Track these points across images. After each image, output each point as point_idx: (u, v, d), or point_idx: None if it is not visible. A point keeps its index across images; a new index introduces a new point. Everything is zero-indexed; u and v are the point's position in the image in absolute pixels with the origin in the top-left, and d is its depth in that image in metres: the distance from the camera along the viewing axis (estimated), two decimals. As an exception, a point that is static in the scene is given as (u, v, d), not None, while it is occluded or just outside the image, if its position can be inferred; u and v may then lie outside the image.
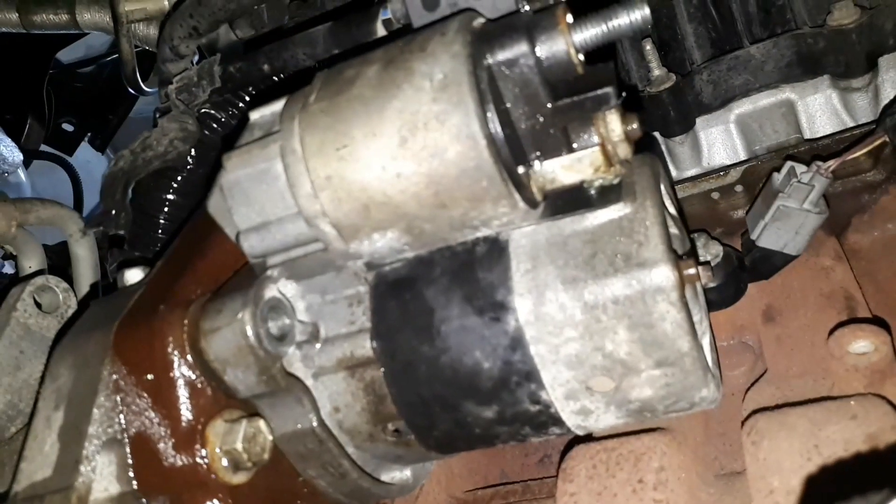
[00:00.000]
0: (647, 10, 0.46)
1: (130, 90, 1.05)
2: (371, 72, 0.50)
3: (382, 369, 0.55)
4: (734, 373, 0.79)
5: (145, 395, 0.52)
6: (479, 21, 0.51)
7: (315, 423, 0.54)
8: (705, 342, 0.58)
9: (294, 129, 0.50)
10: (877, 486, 0.46)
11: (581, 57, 0.49)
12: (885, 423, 0.50)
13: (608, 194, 0.52)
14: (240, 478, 0.53)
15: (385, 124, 0.48)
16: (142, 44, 1.11)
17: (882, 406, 0.52)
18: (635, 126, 0.50)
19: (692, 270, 0.50)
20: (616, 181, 0.52)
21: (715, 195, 0.92)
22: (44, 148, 1.91)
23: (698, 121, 0.98)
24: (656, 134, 0.98)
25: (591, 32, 0.48)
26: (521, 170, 0.50)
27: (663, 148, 1.01)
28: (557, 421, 0.55)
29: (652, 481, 0.55)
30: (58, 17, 1.16)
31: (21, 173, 2.06)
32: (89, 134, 2.03)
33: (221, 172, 0.53)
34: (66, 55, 2.00)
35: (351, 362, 0.56)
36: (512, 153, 0.49)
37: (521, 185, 0.50)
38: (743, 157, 0.98)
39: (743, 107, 0.98)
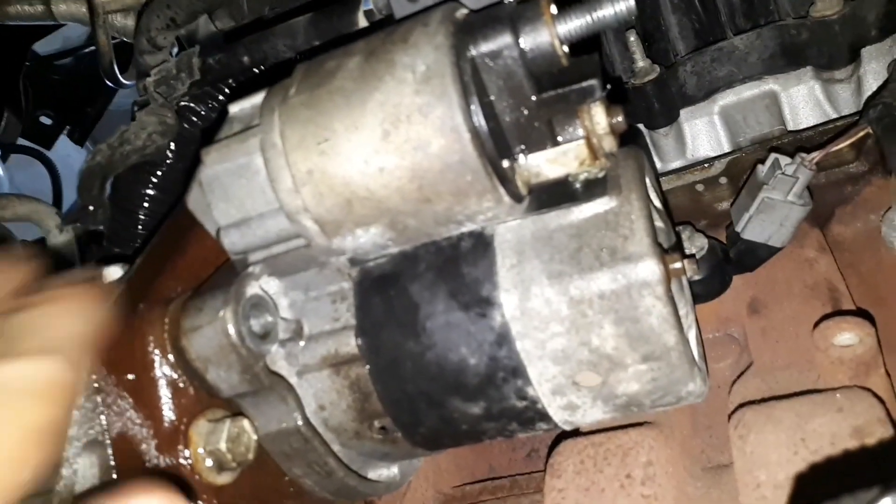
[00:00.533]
0: (631, 1, 0.46)
1: (108, 83, 1.03)
2: (352, 63, 0.49)
3: (367, 366, 0.55)
4: (720, 365, 0.79)
5: (126, 395, 0.51)
6: (463, 12, 0.51)
7: (300, 422, 0.54)
8: (691, 336, 0.58)
9: (274, 122, 0.49)
10: (863, 480, 0.46)
11: (565, 48, 0.48)
12: (871, 416, 0.50)
13: (593, 188, 0.51)
14: (224, 478, 0.52)
15: (367, 117, 0.47)
16: (119, 35, 1.09)
17: (867, 398, 0.52)
18: (620, 119, 0.49)
19: (678, 264, 0.50)
20: (601, 175, 0.52)
21: (699, 187, 0.92)
22: (21, 142, 1.88)
23: (682, 112, 0.98)
24: (640, 126, 0.98)
25: (575, 23, 0.47)
26: (505, 163, 0.50)
27: (648, 140, 1.01)
28: (544, 416, 0.54)
29: (640, 476, 0.55)
30: (33, 9, 1.14)
31: (-2, 168, 2.03)
32: (68, 127, 2.00)
33: (200, 167, 0.52)
34: (42, 47, 1.96)
35: (336, 360, 0.55)
36: (496, 146, 0.48)
37: (505, 179, 0.49)
38: (727, 148, 0.99)
39: (727, 98, 0.98)
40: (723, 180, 0.90)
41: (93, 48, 1.79)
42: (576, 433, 0.65)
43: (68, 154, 2.29)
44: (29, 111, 1.76)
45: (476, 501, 0.75)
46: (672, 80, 0.95)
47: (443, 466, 0.80)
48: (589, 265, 0.50)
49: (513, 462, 0.84)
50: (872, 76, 0.93)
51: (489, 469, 0.84)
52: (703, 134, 1.00)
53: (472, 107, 0.46)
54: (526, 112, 0.49)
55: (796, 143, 0.86)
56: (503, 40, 0.48)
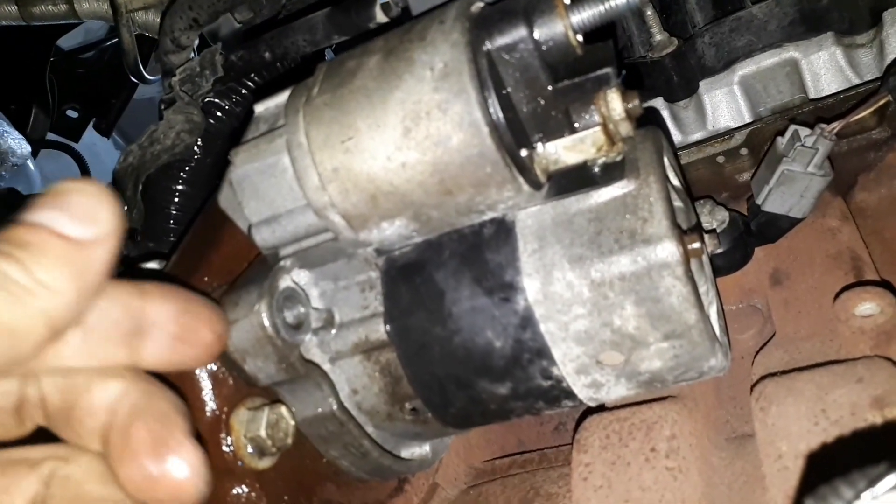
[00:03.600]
0: (643, -11, 0.46)
1: (133, 79, 1.05)
2: (372, 62, 0.50)
3: (397, 351, 0.57)
4: (743, 336, 0.80)
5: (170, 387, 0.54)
6: (478, 6, 0.52)
7: (335, 407, 0.56)
8: (712, 312, 0.59)
9: (299, 122, 0.51)
10: (882, 449, 0.47)
11: (580, 38, 0.49)
12: (891, 386, 0.51)
13: (612, 171, 0.52)
14: (265, 463, 0.55)
15: (388, 115, 0.48)
16: (141, 30, 1.11)
17: (888, 368, 0.53)
18: (636, 103, 0.50)
19: (696, 244, 0.51)
20: (619, 158, 0.53)
21: (720, 159, 0.92)
22: (50, 136, 1.92)
23: (702, 84, 0.98)
24: (659, 100, 0.98)
25: (588, 13, 0.48)
26: (524, 153, 0.51)
27: (667, 113, 1.01)
28: (570, 394, 0.56)
29: (664, 449, 0.56)
30: (56, 8, 1.16)
31: (30, 163, 2.08)
32: (94, 119, 2.04)
33: (230, 168, 0.54)
34: (65, 42, 1.99)
35: (366, 346, 0.57)
36: (514, 137, 0.49)
37: (524, 168, 0.50)
38: (748, 118, 0.98)
39: (746, 68, 0.97)
40: (743, 151, 0.90)
41: (114, 41, 1.82)
42: (601, 408, 0.66)
43: (94, 143, 2.33)
44: (56, 106, 1.79)
45: (506, 475, 0.77)
46: (690, 53, 0.95)
47: (473, 442, 0.83)
48: (609, 248, 0.51)
49: (541, 436, 0.86)
50: (895, 39, 0.91)
51: (518, 443, 0.86)
52: (723, 105, 0.99)
53: (490, 100, 0.48)
54: (543, 102, 0.50)
55: (817, 112, 0.85)
56: (518, 33, 0.48)
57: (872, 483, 0.25)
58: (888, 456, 0.27)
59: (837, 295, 0.64)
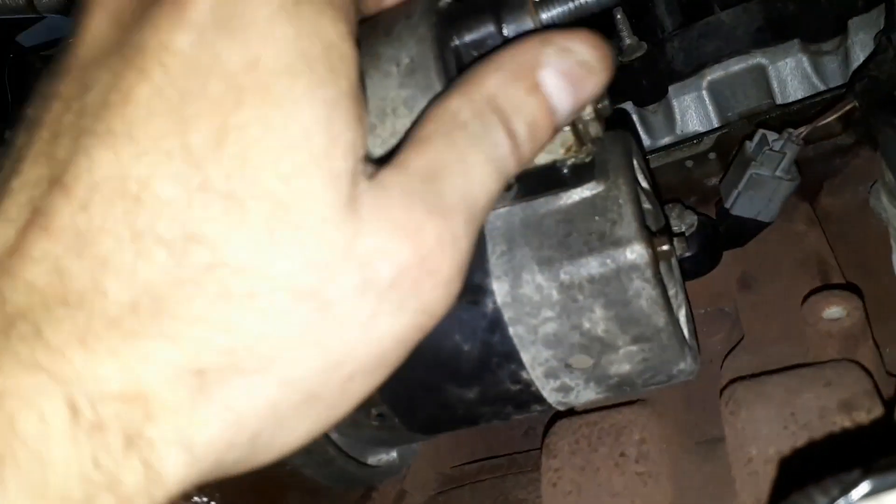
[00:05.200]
0: (613, -13, 0.46)
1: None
2: (337, 58, 0.49)
3: (363, 356, 0.55)
4: (712, 339, 0.80)
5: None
6: (446, 1, 0.51)
7: (297, 413, 0.54)
8: (681, 315, 0.59)
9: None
10: (851, 452, 0.47)
11: (549, 36, 0.48)
12: (858, 389, 0.51)
13: (581, 173, 0.52)
14: (224, 471, 0.53)
15: (353, 112, 0.47)
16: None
17: (855, 371, 0.53)
18: (606, 104, 0.50)
19: (666, 246, 0.51)
20: (588, 160, 0.52)
21: (689, 163, 0.92)
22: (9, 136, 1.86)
23: (671, 88, 0.98)
24: (629, 104, 0.98)
25: (557, 10, 0.47)
26: (492, 152, 0.50)
27: (636, 117, 1.01)
28: (539, 399, 0.55)
29: (634, 454, 0.56)
30: (14, 2, 1.13)
31: (-13, 163, 2.02)
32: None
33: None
34: (26, 39, 1.94)
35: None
36: (483, 136, 0.48)
37: (493, 168, 0.49)
38: (716, 123, 0.99)
39: (715, 73, 0.97)
40: (712, 156, 0.91)
41: (77, 38, 1.77)
42: (570, 412, 0.66)
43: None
44: (13, 105, 1.74)
45: (475, 480, 0.76)
46: (660, 57, 0.95)
47: (442, 447, 0.82)
48: (578, 250, 0.50)
49: (511, 440, 0.85)
50: (860, 47, 0.93)
51: (488, 448, 0.85)
52: (691, 109, 1.00)
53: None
54: (511, 100, 0.49)
55: (784, 117, 0.86)
56: (486, 29, 0.48)
57: (846, 490, 0.24)
58: (857, 460, 0.27)
59: (805, 298, 0.64)
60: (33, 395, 0.24)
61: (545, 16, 0.48)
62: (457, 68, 0.47)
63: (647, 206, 0.59)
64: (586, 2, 0.48)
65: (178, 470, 0.27)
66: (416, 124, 0.35)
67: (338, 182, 0.29)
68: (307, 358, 0.28)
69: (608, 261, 0.50)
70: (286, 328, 0.28)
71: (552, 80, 0.36)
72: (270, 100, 0.28)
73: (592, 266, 0.50)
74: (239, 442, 0.28)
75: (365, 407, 0.57)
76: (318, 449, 0.56)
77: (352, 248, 0.29)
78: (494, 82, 0.35)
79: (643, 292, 0.50)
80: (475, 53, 0.48)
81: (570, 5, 0.47)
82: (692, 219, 0.79)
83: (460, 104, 0.34)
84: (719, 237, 0.80)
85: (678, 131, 1.00)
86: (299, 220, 0.28)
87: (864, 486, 0.24)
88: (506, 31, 0.48)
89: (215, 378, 0.27)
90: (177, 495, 0.27)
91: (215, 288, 0.27)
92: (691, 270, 0.81)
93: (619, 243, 0.50)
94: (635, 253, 0.49)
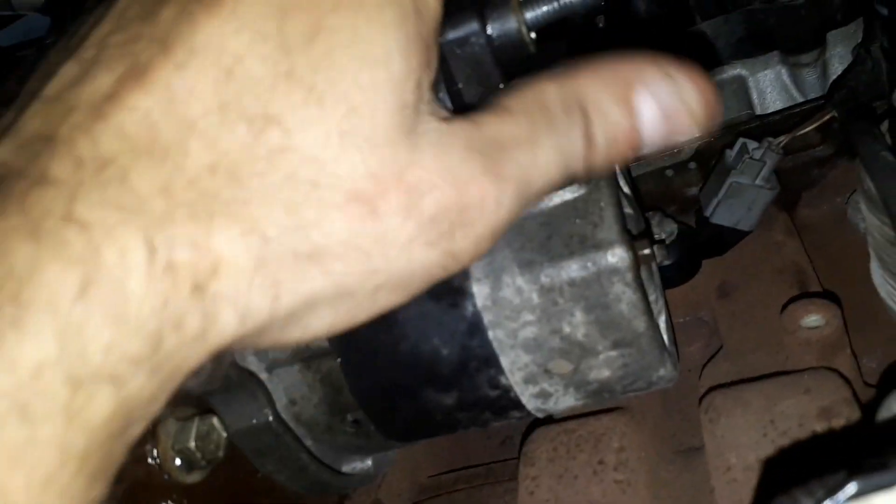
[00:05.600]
0: (598, -12, 0.45)
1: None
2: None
3: (339, 359, 0.54)
4: (690, 348, 0.80)
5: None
6: None
7: (271, 418, 0.53)
8: (661, 321, 0.58)
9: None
10: (831, 459, 0.46)
11: (533, 35, 0.47)
12: (838, 396, 0.51)
13: (563, 176, 0.51)
14: (194, 477, 0.52)
15: (333, 109, 0.46)
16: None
17: (834, 379, 0.53)
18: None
19: (647, 251, 0.50)
20: (570, 162, 0.51)
21: (669, 172, 0.92)
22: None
23: (652, 98, 0.98)
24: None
25: (542, 10, 0.47)
26: (474, 153, 0.49)
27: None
28: (517, 405, 0.54)
29: (612, 462, 0.55)
30: (-12, -1, 1.11)
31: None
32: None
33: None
34: (3, 38, 1.91)
35: (306, 354, 0.55)
36: (464, 136, 0.48)
37: (474, 168, 0.49)
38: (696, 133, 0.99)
39: (695, 84, 0.98)
40: (692, 165, 0.91)
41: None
42: (549, 420, 0.65)
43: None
44: (-11, 104, 1.71)
45: (452, 490, 0.75)
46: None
47: (418, 456, 0.80)
48: (559, 253, 0.50)
49: (488, 450, 0.84)
50: (838, 60, 0.93)
51: (465, 457, 0.84)
52: (671, 119, 1.00)
53: (441, 94, 0.46)
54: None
55: (764, 128, 0.86)
56: (470, 27, 0.47)
57: (833, 491, 0.23)
58: (836, 467, 0.26)
59: (784, 307, 0.64)
60: (116, 230, 0.26)
61: (529, 15, 0.48)
62: (440, 65, 0.47)
63: (628, 210, 0.58)
64: (571, 2, 0.47)
65: (228, 329, 0.29)
66: (503, 93, 0.38)
67: (405, 111, 0.31)
68: (351, 258, 0.31)
69: (589, 264, 0.49)
70: (339, 224, 0.30)
71: (647, 103, 0.36)
72: (363, 14, 0.30)
73: (573, 269, 0.49)
74: (277, 318, 0.30)
75: (340, 412, 0.56)
76: (291, 456, 0.55)
77: (404, 174, 0.31)
78: (590, 82, 0.37)
79: (624, 296, 0.49)
80: (458, 51, 0.48)
81: (555, 4, 0.47)
82: (672, 227, 0.79)
83: (551, 90, 0.37)
84: (699, 246, 0.80)
85: (658, 141, 1.01)
86: (368, 131, 0.30)
87: (851, 488, 0.23)
88: (489, 30, 0.48)
89: (273, 253, 0.29)
90: (215, 354, 0.29)
91: (285, 169, 0.29)
92: (671, 279, 0.81)
93: (600, 246, 0.49)
94: (616, 256, 0.49)
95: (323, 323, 0.32)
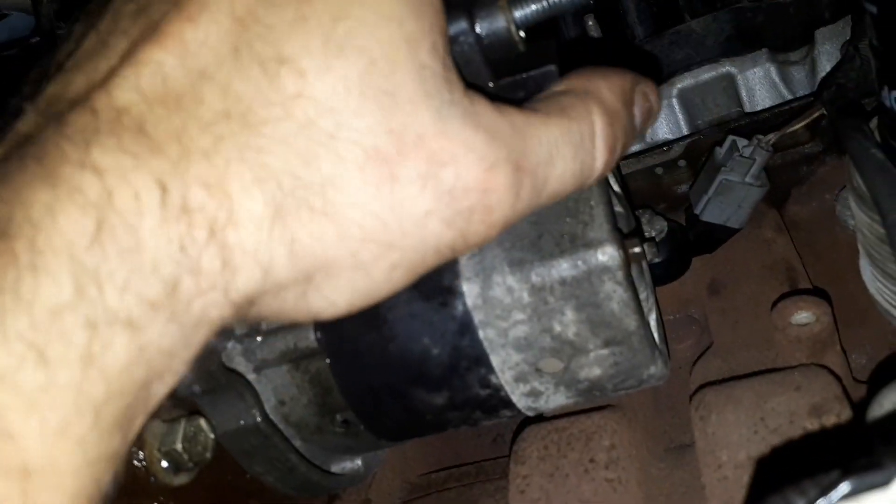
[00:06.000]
0: (587, -15, 0.45)
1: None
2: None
3: (328, 360, 0.54)
4: (681, 346, 0.80)
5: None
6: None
7: (259, 419, 0.53)
8: (652, 319, 0.58)
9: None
10: (821, 456, 0.46)
11: (522, 34, 0.47)
12: (828, 393, 0.51)
13: (553, 174, 0.51)
14: (181, 479, 0.51)
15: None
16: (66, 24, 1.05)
17: (824, 376, 0.53)
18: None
19: (637, 249, 0.50)
20: (560, 161, 0.51)
21: (659, 170, 0.92)
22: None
23: (641, 96, 0.98)
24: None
25: (531, 8, 0.46)
26: (463, 151, 0.49)
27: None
28: (508, 404, 0.54)
29: (603, 460, 0.55)
30: (-28, -3, 1.09)
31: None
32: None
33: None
34: (-14, 37, 1.89)
35: (294, 354, 0.54)
36: (454, 134, 0.47)
37: (464, 166, 0.48)
38: (686, 131, 0.99)
39: (685, 81, 0.98)
40: (682, 163, 0.91)
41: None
42: (539, 418, 0.65)
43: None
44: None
45: (442, 489, 0.75)
46: (631, 65, 0.95)
47: (409, 455, 0.80)
48: (549, 252, 0.50)
49: (479, 448, 0.84)
50: (826, 57, 0.94)
51: (455, 456, 0.84)
52: (662, 117, 1.00)
53: None
54: (483, 98, 0.48)
55: (753, 126, 0.86)
56: (459, 26, 0.46)
57: (826, 491, 0.23)
58: (828, 466, 0.26)
59: (774, 304, 0.64)
60: (130, 174, 0.26)
61: (518, 14, 0.47)
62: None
63: (618, 209, 0.58)
64: (560, 1, 0.47)
65: (251, 282, 0.28)
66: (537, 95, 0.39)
67: (423, 72, 0.31)
68: (368, 224, 0.30)
69: (579, 262, 0.49)
70: (356, 183, 0.29)
71: (638, 107, 0.41)
72: None
73: (564, 268, 0.49)
74: (296, 278, 0.30)
75: (330, 413, 0.56)
76: (280, 457, 0.54)
77: (426, 139, 0.30)
78: (604, 90, 0.39)
79: (614, 295, 0.49)
80: (447, 50, 0.47)
81: (544, 3, 0.46)
82: (662, 224, 0.79)
83: (571, 98, 0.38)
84: (689, 243, 0.80)
85: (648, 138, 1.01)
86: (389, 86, 0.30)
87: (844, 487, 0.23)
88: (478, 29, 0.47)
89: (290, 205, 0.28)
90: (241, 311, 0.29)
91: (301, 117, 0.28)
92: (661, 276, 0.80)
93: (590, 245, 0.49)
94: (607, 255, 0.48)
95: (343, 295, 0.32)
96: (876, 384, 0.54)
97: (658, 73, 0.95)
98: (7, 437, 0.23)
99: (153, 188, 0.26)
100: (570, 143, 0.36)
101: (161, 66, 0.28)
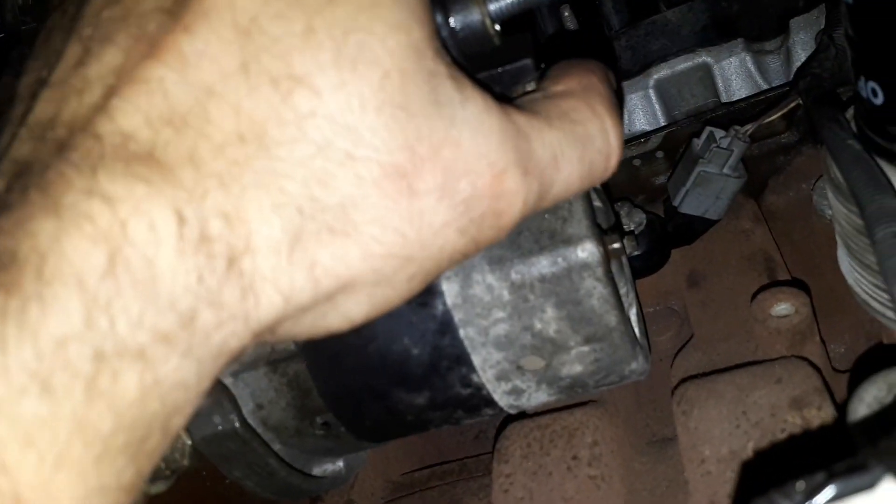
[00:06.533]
0: (562, -22, 0.44)
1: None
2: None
3: (306, 362, 0.53)
4: (661, 338, 0.80)
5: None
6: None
7: (237, 424, 0.52)
8: (632, 314, 0.58)
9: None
10: (802, 449, 0.46)
11: (497, 27, 0.46)
12: (808, 386, 0.51)
13: (531, 170, 0.50)
14: (158, 487, 0.50)
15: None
16: (30, 21, 1.03)
17: (804, 368, 0.53)
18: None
19: (617, 244, 0.50)
20: (538, 156, 0.51)
21: (636, 162, 0.92)
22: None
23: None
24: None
25: (506, 2, 0.46)
26: (440, 148, 0.48)
27: (585, 115, 1.01)
28: (490, 402, 0.54)
29: (586, 457, 0.55)
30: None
31: None
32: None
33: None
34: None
35: (272, 357, 0.53)
36: (430, 131, 0.46)
37: (440, 164, 0.48)
38: (663, 122, 0.99)
39: (661, 72, 0.98)
40: (659, 154, 0.91)
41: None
42: (522, 415, 0.64)
43: None
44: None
45: (425, 487, 0.75)
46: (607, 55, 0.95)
47: (391, 454, 0.79)
48: (529, 249, 0.49)
49: (461, 445, 0.83)
50: (801, 46, 0.94)
51: (438, 454, 0.83)
52: (638, 108, 1.00)
53: None
54: (459, 94, 0.47)
55: (730, 116, 0.86)
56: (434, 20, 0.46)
57: (811, 495, 0.23)
58: (812, 467, 0.26)
59: (754, 296, 0.64)
60: (144, 203, 0.25)
61: (493, 7, 0.47)
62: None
63: (597, 203, 0.58)
64: (534, -7, 0.46)
65: (270, 310, 0.27)
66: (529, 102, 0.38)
67: (433, 80, 0.30)
68: (388, 240, 0.29)
69: (559, 259, 0.49)
70: (375, 201, 0.28)
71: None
72: None
73: (543, 265, 0.49)
74: (318, 302, 0.29)
75: (309, 415, 0.55)
76: (260, 461, 0.54)
77: (441, 149, 0.30)
78: (600, 88, 0.39)
79: (595, 291, 0.49)
80: (421, 45, 0.47)
81: (519, -4, 0.46)
82: (641, 217, 0.79)
83: (573, 101, 0.37)
84: (668, 235, 0.80)
85: (625, 130, 1.00)
86: (403, 99, 0.29)
87: (830, 490, 0.23)
88: (452, 23, 0.46)
89: (310, 229, 0.28)
90: (260, 338, 0.28)
91: (317, 137, 0.27)
92: (640, 269, 0.80)
93: (569, 241, 0.48)
94: (586, 251, 0.48)
95: (361, 309, 0.32)
96: (855, 375, 0.54)
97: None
98: (1, 469, 0.22)
99: (170, 218, 0.25)
100: (576, 145, 0.35)
101: (163, 83, 0.27)
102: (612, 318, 0.49)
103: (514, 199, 0.32)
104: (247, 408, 0.54)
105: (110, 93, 0.27)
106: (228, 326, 0.27)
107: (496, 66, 0.47)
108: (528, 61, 0.46)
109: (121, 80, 0.27)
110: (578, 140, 0.36)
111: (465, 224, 0.31)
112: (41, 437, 0.23)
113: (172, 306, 0.25)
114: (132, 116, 0.26)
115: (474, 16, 0.47)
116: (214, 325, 0.26)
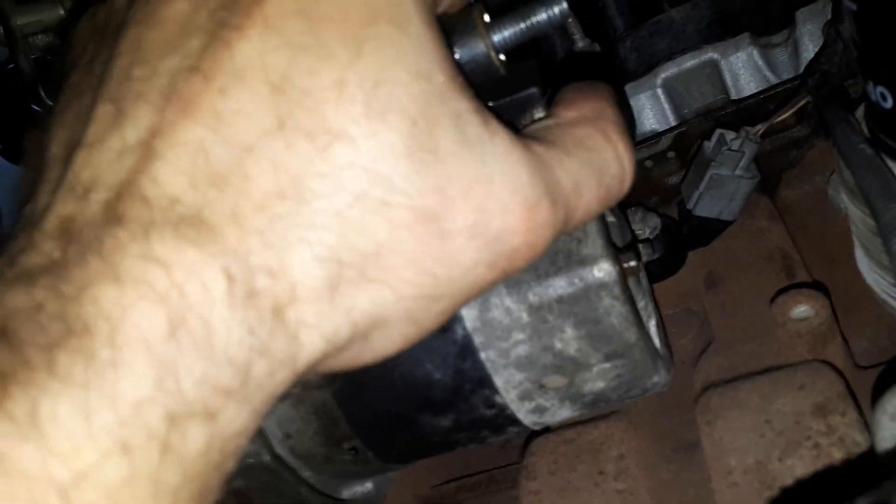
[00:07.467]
0: (564, 4, 0.44)
1: (35, 108, 0.98)
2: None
3: (332, 390, 0.54)
4: (682, 341, 0.80)
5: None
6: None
7: (267, 458, 0.53)
8: (652, 325, 0.58)
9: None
10: (827, 457, 0.46)
11: (502, 58, 0.47)
12: (832, 391, 0.51)
13: (543, 191, 0.51)
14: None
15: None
16: (44, 53, 1.04)
17: (828, 373, 0.53)
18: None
19: (633, 262, 0.50)
20: (550, 178, 0.51)
21: (648, 163, 0.92)
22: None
23: (626, 88, 0.98)
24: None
25: (509, 32, 0.46)
26: (452, 178, 0.49)
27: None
28: (514, 421, 0.54)
29: (613, 471, 0.55)
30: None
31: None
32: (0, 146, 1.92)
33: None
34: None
35: (297, 387, 0.54)
36: (441, 163, 0.47)
37: (453, 194, 0.48)
38: (672, 121, 0.99)
39: (668, 71, 0.97)
40: (671, 155, 0.91)
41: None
42: (546, 429, 0.65)
43: (4, 172, 2.20)
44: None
45: (454, 501, 0.75)
46: (613, 58, 0.95)
47: (419, 468, 0.80)
48: (545, 271, 0.50)
49: (488, 455, 0.84)
50: (808, 38, 0.93)
51: (465, 465, 0.84)
52: (647, 108, 0.99)
53: None
54: (467, 124, 0.48)
55: (740, 113, 0.86)
56: (437, 54, 0.46)
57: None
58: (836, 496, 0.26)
59: (773, 298, 0.64)
60: (196, 266, 0.26)
61: (497, 38, 0.47)
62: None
63: (610, 219, 0.58)
64: (538, 21, 0.46)
65: (313, 353, 0.29)
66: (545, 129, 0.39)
67: (459, 121, 0.31)
68: (420, 282, 0.31)
69: (576, 280, 0.49)
70: (408, 245, 0.30)
71: None
72: (399, 27, 0.30)
73: (560, 286, 0.49)
74: (354, 341, 0.30)
75: (337, 442, 0.56)
76: (290, 491, 0.55)
77: (472, 190, 0.31)
78: (611, 114, 0.40)
79: (613, 310, 0.49)
80: (427, 78, 0.47)
81: (522, 26, 0.46)
82: (655, 222, 0.79)
83: (587, 129, 0.38)
84: (683, 238, 0.80)
85: (636, 131, 1.00)
86: (432, 144, 0.30)
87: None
88: (457, 55, 0.47)
89: (348, 277, 0.29)
90: (303, 377, 0.30)
91: (354, 187, 0.28)
92: (657, 273, 0.80)
93: (585, 262, 0.49)
94: (603, 271, 0.48)
95: (394, 344, 0.33)
96: (882, 376, 0.54)
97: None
98: None
99: (220, 278, 0.26)
100: (594, 172, 0.36)
101: (202, 144, 0.27)
102: (631, 335, 0.50)
103: (545, 231, 0.33)
104: (275, 438, 0.55)
105: (151, 154, 0.27)
106: (279, 373, 0.28)
107: (503, 96, 0.48)
108: (534, 90, 0.47)
109: (159, 141, 0.28)
110: (595, 167, 0.37)
111: (495, 258, 0.32)
112: (123, 498, 0.25)
113: (230, 361, 0.27)
114: (177, 179, 0.27)
115: (479, 48, 0.47)
116: (267, 373, 0.28)
